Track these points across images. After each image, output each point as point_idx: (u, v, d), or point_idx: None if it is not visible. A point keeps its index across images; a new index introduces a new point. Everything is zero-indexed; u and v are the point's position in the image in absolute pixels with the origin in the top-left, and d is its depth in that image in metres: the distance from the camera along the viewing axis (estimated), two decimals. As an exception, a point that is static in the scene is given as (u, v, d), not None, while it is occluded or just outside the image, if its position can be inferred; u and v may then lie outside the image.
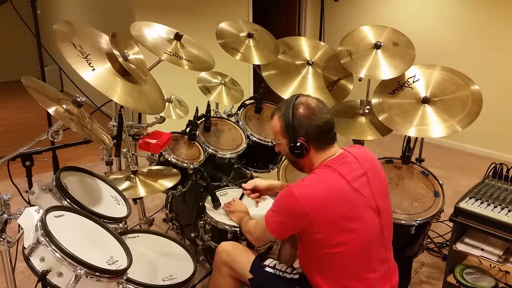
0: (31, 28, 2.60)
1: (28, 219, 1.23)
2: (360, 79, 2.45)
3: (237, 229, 1.81)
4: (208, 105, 2.41)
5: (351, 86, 2.59)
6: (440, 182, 2.13)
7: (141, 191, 1.86)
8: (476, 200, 1.91)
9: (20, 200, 1.92)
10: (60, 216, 1.30)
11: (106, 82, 1.57)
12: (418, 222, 1.96)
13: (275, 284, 1.55)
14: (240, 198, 2.03)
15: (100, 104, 2.36)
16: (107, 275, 1.19)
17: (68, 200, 1.43)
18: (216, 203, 1.95)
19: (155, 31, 2.19)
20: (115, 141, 1.95)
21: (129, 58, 1.70)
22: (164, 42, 2.16)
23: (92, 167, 3.05)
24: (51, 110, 1.37)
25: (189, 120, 2.35)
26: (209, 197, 1.97)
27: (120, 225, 1.56)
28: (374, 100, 2.37)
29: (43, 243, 1.14)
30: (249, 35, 2.55)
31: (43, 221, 1.18)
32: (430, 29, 4.56)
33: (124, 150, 2.02)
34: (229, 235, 1.84)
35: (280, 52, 2.63)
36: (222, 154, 2.30)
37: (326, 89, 2.57)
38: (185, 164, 2.15)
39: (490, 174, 2.10)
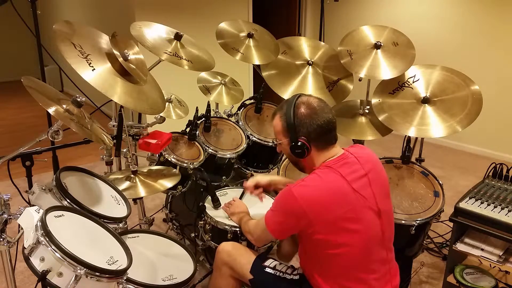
0: (31, 28, 2.60)
1: (28, 219, 1.23)
2: (360, 79, 2.45)
3: (237, 229, 1.81)
4: (208, 105, 2.41)
5: (351, 86, 2.59)
6: (440, 182, 2.13)
7: (141, 191, 1.86)
8: (476, 200, 1.91)
9: (20, 200, 1.92)
10: (60, 216, 1.30)
11: (106, 82, 1.57)
12: (418, 222, 1.96)
13: (276, 284, 1.55)
14: (240, 198, 2.03)
15: (100, 104, 2.36)
16: (107, 275, 1.19)
17: (68, 200, 1.43)
18: (216, 203, 1.95)
19: (155, 31, 2.19)
20: (115, 141, 1.94)
21: (129, 58, 1.70)
22: (164, 42, 2.16)
23: (92, 167, 3.05)
24: (51, 110, 1.37)
25: (189, 120, 2.35)
26: (209, 197, 1.97)
27: (120, 225, 1.56)
28: (374, 100, 2.37)
29: (43, 243, 1.14)
30: (249, 35, 2.55)
31: (43, 221, 1.18)
32: (430, 29, 4.56)
33: (124, 150, 2.02)
34: (229, 235, 1.83)
35: (280, 52, 2.63)
36: (222, 154, 2.30)
37: (326, 89, 2.57)
38: (185, 164, 2.15)
39: (490, 174, 2.10)
